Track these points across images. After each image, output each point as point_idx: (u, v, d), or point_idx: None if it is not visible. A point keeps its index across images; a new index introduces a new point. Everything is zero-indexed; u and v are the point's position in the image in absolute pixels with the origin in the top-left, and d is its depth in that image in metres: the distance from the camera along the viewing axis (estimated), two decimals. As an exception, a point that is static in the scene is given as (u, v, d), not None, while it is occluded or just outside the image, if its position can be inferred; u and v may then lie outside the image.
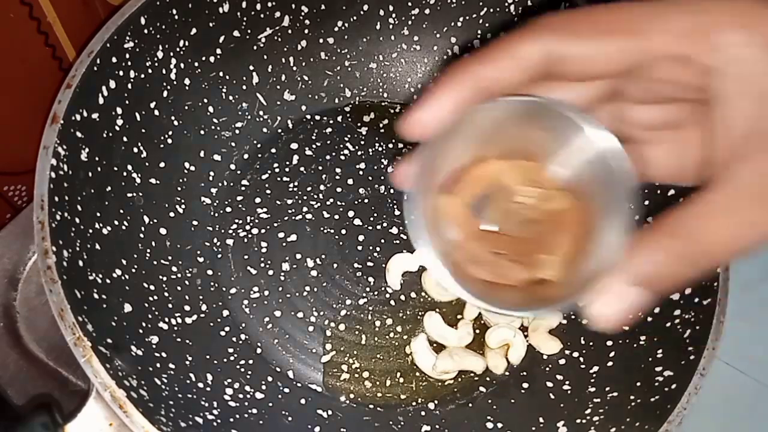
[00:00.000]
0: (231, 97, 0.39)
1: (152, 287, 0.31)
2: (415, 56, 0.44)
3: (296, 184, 0.39)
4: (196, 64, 0.36)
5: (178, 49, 0.34)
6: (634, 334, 0.33)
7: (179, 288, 0.33)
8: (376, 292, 0.37)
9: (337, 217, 0.39)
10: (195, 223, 0.36)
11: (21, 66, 0.33)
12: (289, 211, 0.38)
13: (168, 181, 0.35)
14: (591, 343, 0.35)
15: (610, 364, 0.33)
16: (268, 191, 0.39)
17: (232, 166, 0.39)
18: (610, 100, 0.20)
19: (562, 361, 0.35)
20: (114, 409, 0.24)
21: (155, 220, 0.33)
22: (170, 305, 0.32)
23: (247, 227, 0.37)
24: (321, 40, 0.41)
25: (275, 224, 0.38)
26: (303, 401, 0.32)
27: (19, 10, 0.31)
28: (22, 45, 0.32)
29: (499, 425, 0.32)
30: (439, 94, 0.18)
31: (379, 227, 0.39)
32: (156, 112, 0.34)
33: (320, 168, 0.40)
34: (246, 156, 0.39)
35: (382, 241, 0.38)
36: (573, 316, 0.37)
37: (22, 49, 0.33)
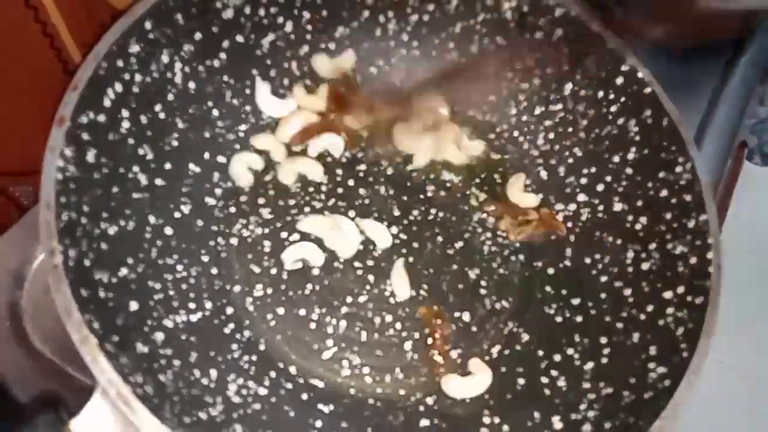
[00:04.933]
0: (235, 101, 0.39)
1: (158, 286, 0.32)
2: (415, 62, 0.45)
3: (298, 185, 0.40)
4: (201, 68, 0.36)
5: (183, 54, 0.35)
6: (628, 332, 0.34)
7: (184, 286, 0.33)
8: (376, 290, 0.37)
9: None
10: (200, 223, 0.36)
11: (26, 68, 0.33)
12: (292, 212, 0.39)
13: (173, 182, 0.35)
14: (586, 340, 0.36)
15: (604, 360, 0.34)
16: (271, 192, 0.39)
17: (235, 168, 0.39)
18: None
19: (557, 357, 0.36)
20: (119, 406, 0.25)
21: (161, 221, 0.34)
22: (175, 303, 0.32)
23: (251, 227, 0.38)
24: (322, 46, 0.42)
25: (278, 224, 0.38)
26: (305, 396, 0.33)
27: (25, 13, 0.31)
28: (27, 47, 0.33)
29: (496, 420, 0.33)
30: None
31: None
32: (161, 115, 0.34)
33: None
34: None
35: (382, 241, 0.39)
36: (569, 315, 0.37)
37: (28, 51, 0.33)
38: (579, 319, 0.37)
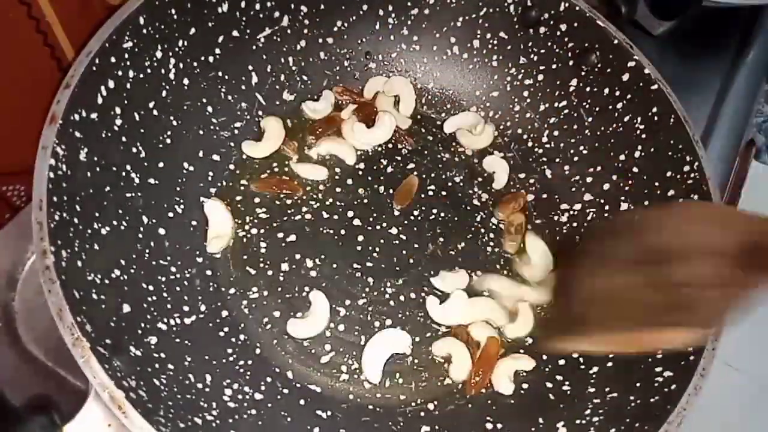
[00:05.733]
0: (230, 97, 0.38)
1: (151, 287, 0.31)
2: (415, 56, 0.44)
3: (295, 183, 0.39)
4: (195, 63, 0.36)
5: (177, 49, 0.34)
6: (634, 335, 0.33)
7: (178, 288, 0.33)
8: (375, 293, 0.37)
9: (336, 217, 0.39)
10: (194, 223, 0.36)
11: (19, 66, 0.33)
12: (288, 212, 0.38)
13: (167, 181, 0.34)
14: (591, 344, 0.35)
15: (609, 364, 0.33)
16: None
17: (231, 166, 0.39)
18: None
19: (561, 362, 0.35)
20: (112, 409, 0.24)
21: (154, 220, 0.33)
22: (169, 306, 0.31)
23: (246, 227, 0.37)
24: (320, 40, 0.41)
25: (274, 224, 0.38)
26: (302, 402, 0.32)
27: (18, 9, 0.31)
28: (20, 44, 0.32)
29: (499, 426, 0.32)
30: None
31: (378, 227, 0.39)
32: (155, 112, 0.34)
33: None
34: (245, 156, 0.39)
35: (381, 241, 0.38)
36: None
37: (21, 48, 0.32)
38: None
